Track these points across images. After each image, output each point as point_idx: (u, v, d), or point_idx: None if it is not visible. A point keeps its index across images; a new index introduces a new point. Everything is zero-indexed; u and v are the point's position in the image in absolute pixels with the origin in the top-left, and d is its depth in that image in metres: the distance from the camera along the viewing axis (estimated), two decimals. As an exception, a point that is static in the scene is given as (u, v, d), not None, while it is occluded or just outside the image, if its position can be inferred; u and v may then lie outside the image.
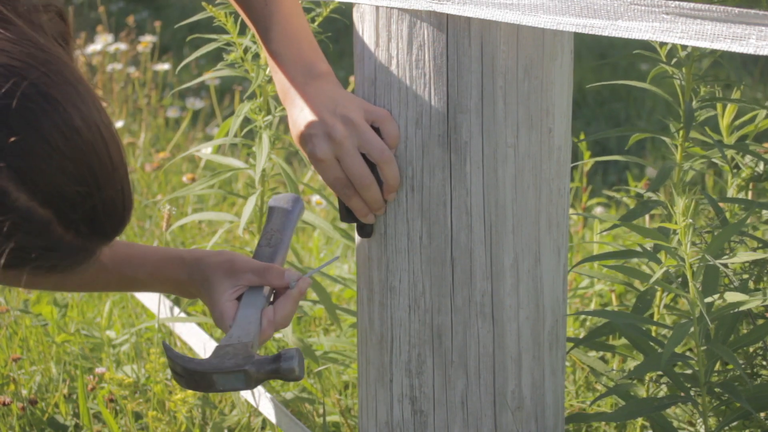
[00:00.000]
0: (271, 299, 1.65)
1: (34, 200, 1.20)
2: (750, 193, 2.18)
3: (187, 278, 1.67)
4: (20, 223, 1.20)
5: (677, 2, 1.32)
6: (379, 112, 1.58)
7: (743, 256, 1.74)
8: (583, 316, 2.82)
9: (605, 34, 1.36)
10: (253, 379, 1.53)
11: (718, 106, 2.07)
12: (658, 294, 2.10)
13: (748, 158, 2.13)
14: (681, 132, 2.00)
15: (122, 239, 3.21)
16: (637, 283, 2.21)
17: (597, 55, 6.54)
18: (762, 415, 1.90)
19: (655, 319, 2.16)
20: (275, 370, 1.53)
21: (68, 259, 1.27)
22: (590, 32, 1.38)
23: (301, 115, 1.59)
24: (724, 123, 2.10)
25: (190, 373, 1.53)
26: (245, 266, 1.64)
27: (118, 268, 1.68)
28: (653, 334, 2.12)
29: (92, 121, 1.23)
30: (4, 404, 2.37)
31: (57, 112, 1.21)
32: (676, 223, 1.66)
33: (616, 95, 5.73)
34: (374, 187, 1.59)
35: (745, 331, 1.90)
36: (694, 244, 2.01)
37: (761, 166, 2.12)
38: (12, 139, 1.17)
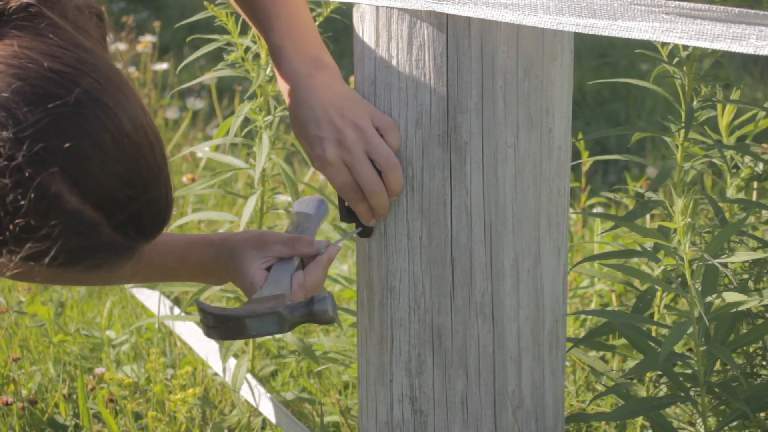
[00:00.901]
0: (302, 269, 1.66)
1: (85, 203, 1.23)
2: (754, 193, 2.18)
3: (215, 259, 1.68)
4: (72, 225, 1.23)
5: (677, 2, 1.32)
6: (384, 120, 1.58)
7: (742, 255, 1.74)
8: (583, 316, 2.82)
9: (605, 34, 1.36)
10: (287, 322, 1.54)
11: (718, 106, 2.07)
12: (658, 294, 2.10)
13: (747, 158, 2.13)
14: (681, 132, 2.00)
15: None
16: (637, 283, 2.21)
17: (597, 55, 6.54)
18: (762, 415, 1.90)
19: (655, 318, 2.16)
20: (309, 312, 1.55)
21: (114, 258, 1.30)
22: (590, 32, 1.38)
23: (309, 113, 1.58)
24: (723, 123, 2.10)
25: (222, 320, 1.55)
26: (274, 238, 1.66)
27: (146, 257, 1.69)
28: (653, 333, 2.12)
29: (139, 124, 1.27)
30: (6, 404, 2.37)
31: (108, 117, 1.24)
32: (675, 222, 1.66)
33: (616, 95, 5.73)
34: (383, 194, 1.59)
35: (744, 331, 1.89)
36: (693, 243, 2.01)
37: (761, 167, 2.12)
38: (66, 144, 1.21)
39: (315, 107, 1.58)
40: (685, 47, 1.95)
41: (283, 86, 1.63)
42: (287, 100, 1.62)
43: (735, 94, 2.11)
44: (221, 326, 1.55)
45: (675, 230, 1.80)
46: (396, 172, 1.58)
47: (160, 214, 1.32)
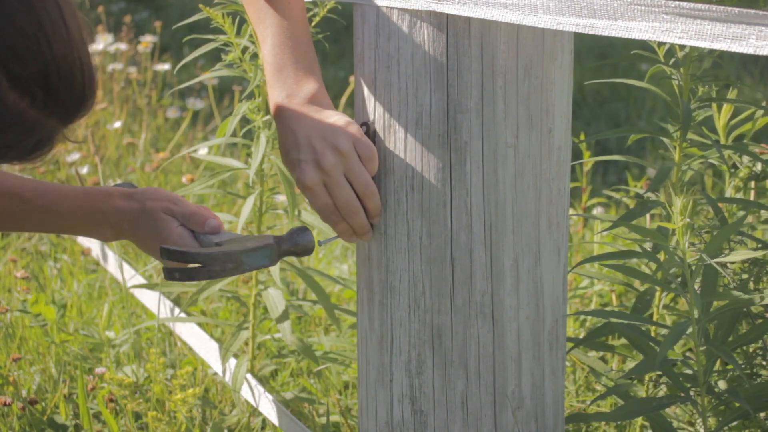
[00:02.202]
0: None
1: None
2: (752, 193, 2.18)
3: (114, 211, 1.68)
4: None
5: (677, 2, 1.32)
6: (366, 147, 1.59)
7: (739, 254, 1.74)
8: (583, 316, 2.82)
9: (605, 34, 1.36)
10: (276, 254, 1.63)
11: (713, 106, 2.07)
12: (658, 294, 2.10)
13: (746, 158, 2.13)
14: (679, 132, 2.00)
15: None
16: (636, 283, 2.21)
17: (597, 55, 6.54)
18: (762, 414, 1.90)
19: (654, 319, 2.16)
20: (294, 243, 1.64)
21: (25, 136, 1.22)
22: (590, 32, 1.38)
23: (291, 138, 1.60)
24: (720, 123, 2.10)
25: (216, 258, 1.59)
26: (179, 210, 1.69)
27: (39, 200, 1.69)
28: (653, 334, 2.12)
29: None
30: (4, 404, 2.37)
31: None
32: (674, 223, 1.66)
33: (616, 95, 5.73)
34: (361, 214, 1.61)
35: (744, 331, 1.89)
36: (693, 244, 2.01)
37: (759, 166, 2.12)
38: None
39: (298, 132, 1.60)
40: (683, 47, 1.95)
41: (270, 106, 1.65)
42: (275, 122, 1.64)
43: (732, 94, 2.11)
44: (215, 264, 1.59)
45: (674, 230, 1.80)
46: (374, 199, 1.61)
47: (73, 83, 1.25)
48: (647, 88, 2.04)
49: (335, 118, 1.60)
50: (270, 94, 1.64)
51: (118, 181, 1.90)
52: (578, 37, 1.65)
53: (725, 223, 1.94)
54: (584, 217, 2.35)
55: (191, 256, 1.61)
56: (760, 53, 1.23)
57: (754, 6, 1.90)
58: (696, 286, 1.70)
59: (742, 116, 2.12)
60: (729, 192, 2.14)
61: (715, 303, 1.75)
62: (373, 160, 1.60)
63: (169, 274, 1.62)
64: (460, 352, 1.63)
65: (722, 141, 2.10)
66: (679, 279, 1.87)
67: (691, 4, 1.31)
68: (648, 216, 2.74)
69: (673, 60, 1.99)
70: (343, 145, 1.58)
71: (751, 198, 2.18)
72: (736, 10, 1.26)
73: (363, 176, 1.59)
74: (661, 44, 1.99)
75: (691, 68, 1.97)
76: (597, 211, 3.69)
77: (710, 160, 2.06)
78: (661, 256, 1.88)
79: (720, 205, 2.02)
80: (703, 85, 1.98)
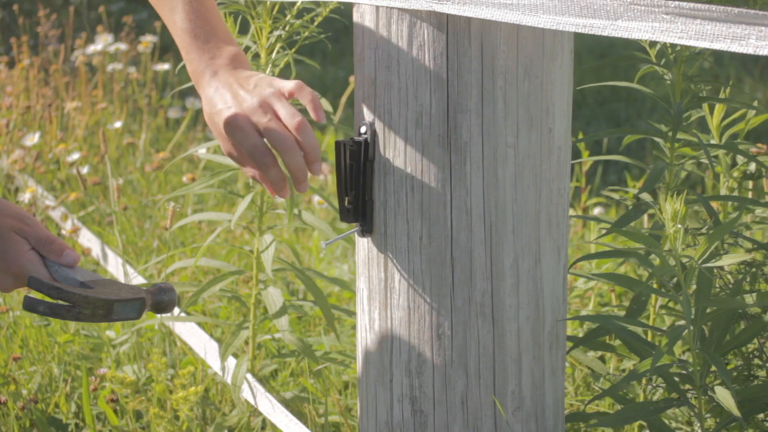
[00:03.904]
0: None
1: None
2: (750, 194, 2.18)
3: None
4: None
5: (677, 2, 1.32)
6: (287, 84, 1.55)
7: (728, 258, 1.74)
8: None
9: (605, 34, 1.37)
10: (144, 308, 1.58)
11: (705, 106, 2.07)
12: (654, 294, 2.10)
13: (740, 158, 2.13)
14: (671, 132, 2.00)
15: (122, 237, 3.21)
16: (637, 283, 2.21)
17: (597, 55, 6.54)
18: (761, 416, 1.90)
19: (651, 319, 2.17)
20: (160, 300, 1.60)
21: None
22: (590, 32, 1.38)
23: (211, 98, 1.56)
24: (714, 123, 2.10)
25: (90, 302, 1.53)
26: (32, 232, 1.58)
27: None
28: (649, 335, 2.12)
29: None
30: (2, 403, 2.37)
31: None
32: (666, 230, 1.66)
33: (616, 95, 5.73)
34: (297, 151, 1.53)
35: (738, 332, 1.89)
36: (688, 245, 2.01)
37: (753, 166, 2.12)
38: None
39: (218, 90, 1.55)
40: (674, 47, 1.95)
41: (191, 75, 1.62)
42: (197, 88, 1.61)
43: (723, 94, 2.11)
44: (87, 307, 1.53)
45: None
46: (306, 131, 1.53)
47: None
48: (645, 89, 2.04)
49: (261, 75, 1.57)
50: (189, 61, 1.60)
51: None
52: (578, 37, 1.65)
53: (719, 224, 1.94)
54: (583, 219, 2.36)
55: (66, 294, 1.52)
56: (760, 53, 1.23)
57: (752, 6, 1.90)
58: (692, 289, 1.70)
59: (735, 116, 2.12)
60: (723, 192, 2.14)
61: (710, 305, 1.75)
62: (301, 88, 1.54)
63: (32, 306, 1.52)
64: (460, 352, 1.63)
65: (716, 141, 2.10)
66: (675, 280, 1.87)
67: (691, 4, 1.31)
68: (646, 216, 2.74)
69: (664, 60, 1.99)
70: (263, 87, 1.54)
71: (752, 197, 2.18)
72: (736, 10, 1.26)
73: (288, 108, 1.53)
74: (652, 44, 1.99)
75: (683, 68, 1.97)
76: (597, 211, 3.70)
77: (703, 161, 2.06)
78: (654, 261, 1.88)
79: (715, 205, 2.02)
80: (695, 84, 1.98)
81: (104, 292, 1.55)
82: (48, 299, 1.53)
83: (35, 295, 1.57)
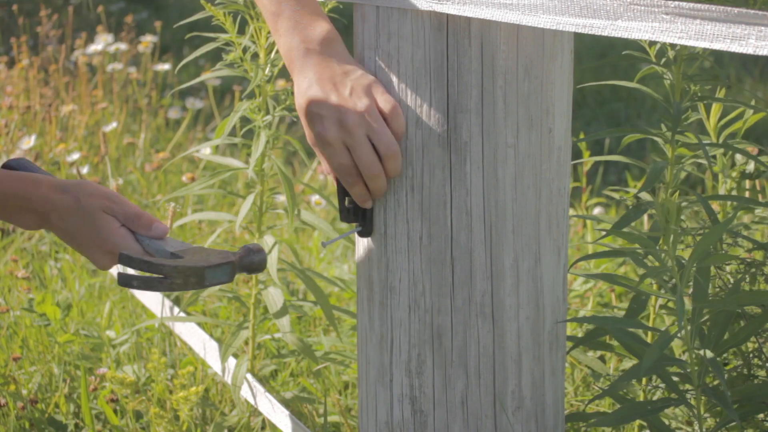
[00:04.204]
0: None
1: None
2: (747, 194, 2.18)
3: (42, 200, 1.60)
4: None
5: (677, 2, 1.32)
6: (390, 104, 1.55)
7: (719, 258, 1.74)
8: (581, 315, 2.82)
9: (605, 34, 1.37)
10: (235, 271, 1.60)
11: (701, 106, 2.06)
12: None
13: (739, 157, 2.12)
14: (670, 132, 2.00)
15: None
16: (635, 283, 2.21)
17: (597, 55, 6.54)
18: (761, 416, 1.90)
19: (651, 319, 2.17)
20: (250, 261, 1.61)
21: None
22: (590, 32, 1.38)
23: (311, 89, 1.54)
24: (711, 122, 2.10)
25: (180, 271, 1.55)
26: (120, 209, 1.62)
27: None
28: (648, 336, 2.12)
29: None
30: (3, 406, 2.37)
31: None
32: (662, 230, 1.66)
33: (616, 95, 5.73)
34: (382, 178, 1.56)
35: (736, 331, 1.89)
36: (687, 246, 2.01)
37: (751, 165, 2.11)
38: None
39: (318, 84, 1.54)
40: (674, 46, 1.95)
41: (285, 58, 1.59)
42: (290, 71, 1.58)
43: (720, 93, 2.10)
44: (178, 277, 1.55)
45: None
46: (396, 160, 1.56)
47: None
48: (645, 89, 2.04)
49: (358, 73, 1.55)
50: (279, 43, 1.57)
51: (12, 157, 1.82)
52: (578, 37, 1.65)
53: (717, 224, 1.93)
54: (583, 218, 2.36)
55: (156, 267, 1.55)
56: (760, 53, 1.23)
57: (752, 6, 1.90)
58: (689, 289, 1.70)
59: (732, 115, 2.12)
60: (722, 192, 2.14)
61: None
62: (398, 116, 1.55)
63: (126, 282, 1.55)
64: (460, 352, 1.63)
65: (713, 140, 2.10)
66: (673, 280, 1.87)
67: (691, 4, 1.31)
68: (646, 216, 2.74)
69: (664, 59, 1.99)
70: (367, 104, 1.53)
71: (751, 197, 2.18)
72: (736, 10, 1.26)
73: (386, 135, 1.54)
74: (652, 44, 1.99)
75: (682, 67, 1.97)
76: (597, 211, 3.70)
77: (701, 161, 2.06)
78: (651, 262, 1.88)
79: (715, 205, 2.02)
80: (695, 84, 1.98)
81: (194, 260, 1.58)
82: (141, 273, 1.57)
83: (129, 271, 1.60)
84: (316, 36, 1.57)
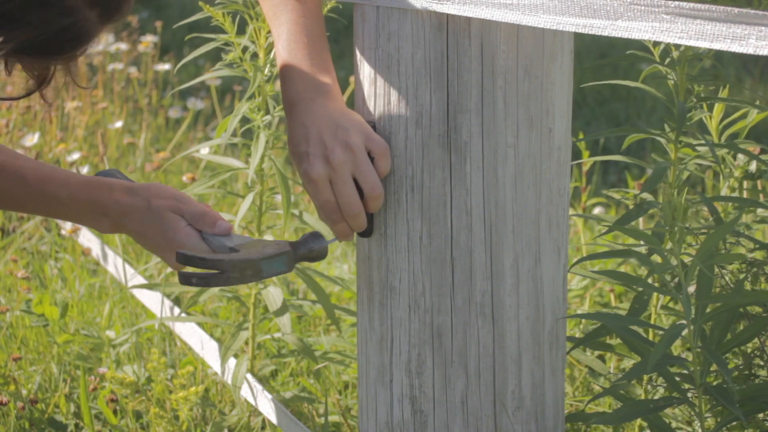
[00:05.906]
0: None
1: None
2: (745, 193, 2.18)
3: (114, 204, 1.65)
4: None
5: (677, 2, 1.32)
6: (378, 144, 1.58)
7: (724, 258, 1.74)
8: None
9: (605, 34, 1.36)
10: (293, 260, 1.62)
11: (705, 106, 2.06)
12: (655, 294, 2.10)
13: (741, 157, 2.12)
14: (674, 133, 2.00)
15: (122, 237, 3.21)
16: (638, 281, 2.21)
17: (597, 55, 6.54)
18: (761, 415, 1.90)
19: (652, 318, 2.16)
20: (309, 249, 1.63)
21: (54, 16, 1.28)
22: (590, 32, 1.38)
23: (301, 131, 1.58)
24: (713, 123, 2.10)
25: (237, 265, 1.57)
26: (187, 209, 1.66)
27: (40, 185, 1.67)
28: (650, 335, 2.12)
29: None
30: (1, 404, 2.37)
31: None
32: (666, 228, 1.66)
33: (616, 95, 5.73)
34: (362, 216, 1.59)
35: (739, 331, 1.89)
36: (690, 245, 2.01)
37: (754, 165, 2.11)
38: None
39: (309, 126, 1.57)
40: (677, 47, 1.95)
41: (284, 104, 1.63)
42: (287, 117, 1.62)
43: (723, 93, 2.10)
44: (234, 271, 1.57)
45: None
46: (378, 201, 1.58)
47: None
48: (648, 88, 2.04)
49: (349, 116, 1.58)
50: (283, 89, 1.62)
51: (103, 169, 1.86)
52: (578, 37, 1.65)
53: (720, 224, 1.94)
54: (584, 218, 2.36)
55: (211, 262, 1.57)
56: (760, 53, 1.23)
57: (752, 6, 1.90)
58: (692, 288, 1.70)
59: (735, 115, 2.12)
60: (724, 192, 2.14)
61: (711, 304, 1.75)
62: (385, 156, 1.58)
63: (186, 280, 1.58)
64: (460, 352, 1.63)
65: (715, 141, 2.10)
66: (676, 279, 1.87)
67: (691, 4, 1.31)
68: (641, 219, 2.74)
69: (668, 59, 1.99)
70: (354, 142, 1.55)
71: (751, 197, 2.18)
72: (736, 10, 1.26)
73: (371, 175, 1.57)
74: (656, 44, 1.99)
75: (686, 67, 1.97)
76: (597, 211, 3.70)
77: (702, 162, 2.06)
78: (655, 260, 1.88)
79: (717, 205, 2.01)
80: (698, 84, 1.98)
81: (249, 253, 1.60)
82: (199, 270, 1.59)
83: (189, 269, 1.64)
84: (317, 89, 1.61)
